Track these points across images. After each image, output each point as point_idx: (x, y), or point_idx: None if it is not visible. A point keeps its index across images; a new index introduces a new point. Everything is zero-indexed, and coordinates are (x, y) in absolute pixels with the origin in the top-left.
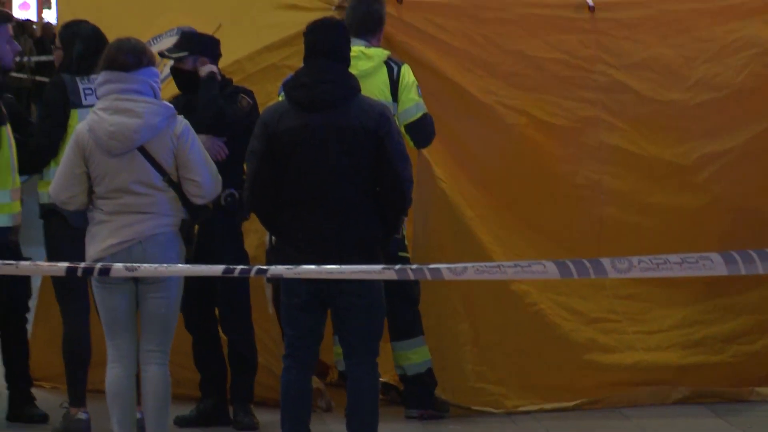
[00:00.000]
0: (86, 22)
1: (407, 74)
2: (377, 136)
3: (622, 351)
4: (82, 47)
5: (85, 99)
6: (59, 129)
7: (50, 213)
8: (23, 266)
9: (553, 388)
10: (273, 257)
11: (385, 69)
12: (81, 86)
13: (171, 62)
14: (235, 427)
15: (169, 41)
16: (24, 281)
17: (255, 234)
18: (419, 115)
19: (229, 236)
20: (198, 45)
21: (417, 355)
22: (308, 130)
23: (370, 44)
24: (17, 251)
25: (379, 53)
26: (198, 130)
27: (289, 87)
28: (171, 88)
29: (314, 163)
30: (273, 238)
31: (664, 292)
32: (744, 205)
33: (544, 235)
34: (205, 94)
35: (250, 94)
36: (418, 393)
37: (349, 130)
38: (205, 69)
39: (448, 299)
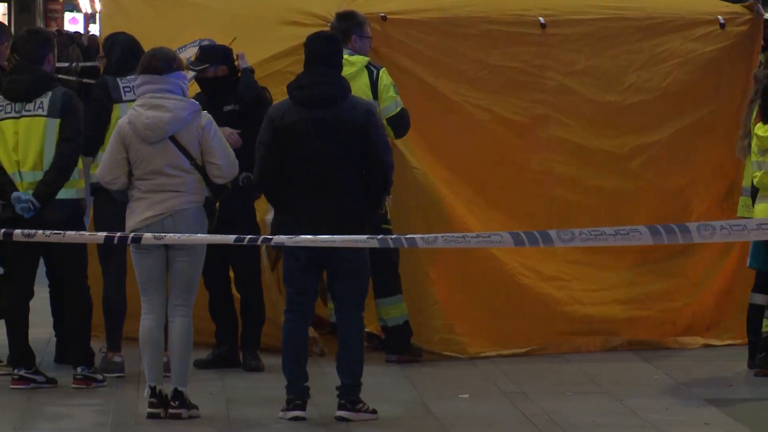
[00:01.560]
0: (124, 33)
1: (385, 76)
2: (365, 128)
3: (572, 305)
4: (120, 53)
5: (125, 95)
6: (104, 121)
7: (98, 190)
8: (69, 235)
9: (510, 337)
10: (276, 228)
11: (366, 72)
12: (121, 84)
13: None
14: (244, 369)
15: (192, 50)
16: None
17: (259, 212)
18: (398, 110)
19: (245, 211)
20: (215, 56)
21: (396, 310)
22: (307, 124)
23: (355, 51)
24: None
25: (361, 59)
26: (239, 109)
27: (291, 87)
28: (195, 88)
29: (312, 150)
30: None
31: (605, 258)
32: (668, 187)
33: (505, 211)
34: (248, 79)
35: (268, 91)
36: (397, 341)
37: (341, 124)
38: (243, 63)
39: (420, 265)
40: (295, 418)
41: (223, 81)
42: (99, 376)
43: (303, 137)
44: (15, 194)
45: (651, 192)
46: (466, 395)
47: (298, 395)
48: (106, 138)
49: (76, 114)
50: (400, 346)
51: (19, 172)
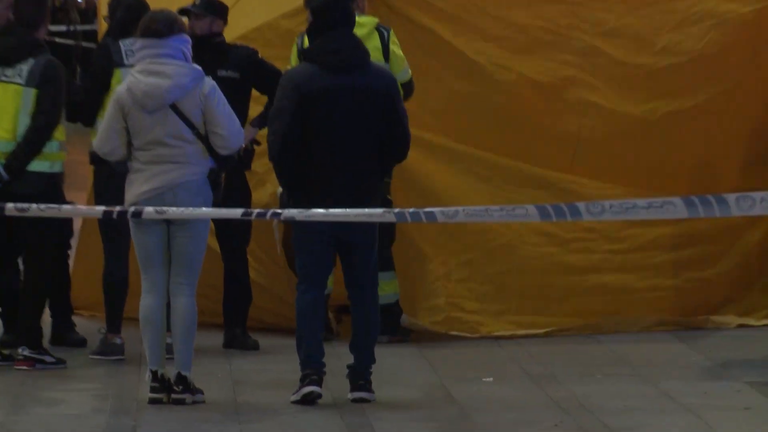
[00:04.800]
0: None
1: (395, 38)
2: (390, 97)
3: (588, 273)
4: (123, 14)
5: (127, 59)
6: (102, 86)
7: (98, 160)
8: (65, 209)
9: (523, 314)
10: (288, 202)
11: (377, 34)
12: (123, 48)
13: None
14: (241, 348)
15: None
16: (67, 222)
17: (271, 185)
18: (410, 74)
19: (241, 186)
20: (215, 9)
21: (389, 287)
22: (337, 90)
23: (362, 12)
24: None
25: (371, 21)
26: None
27: (318, 52)
28: None
29: (338, 119)
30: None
31: None
32: (702, 155)
33: (527, 178)
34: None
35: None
36: (388, 321)
37: (369, 91)
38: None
39: (413, 242)
40: (310, 394)
41: (216, 40)
42: (48, 358)
43: (332, 104)
44: None
45: (684, 159)
46: (490, 378)
47: (314, 370)
48: (104, 105)
49: (55, 85)
50: (391, 325)
51: None
